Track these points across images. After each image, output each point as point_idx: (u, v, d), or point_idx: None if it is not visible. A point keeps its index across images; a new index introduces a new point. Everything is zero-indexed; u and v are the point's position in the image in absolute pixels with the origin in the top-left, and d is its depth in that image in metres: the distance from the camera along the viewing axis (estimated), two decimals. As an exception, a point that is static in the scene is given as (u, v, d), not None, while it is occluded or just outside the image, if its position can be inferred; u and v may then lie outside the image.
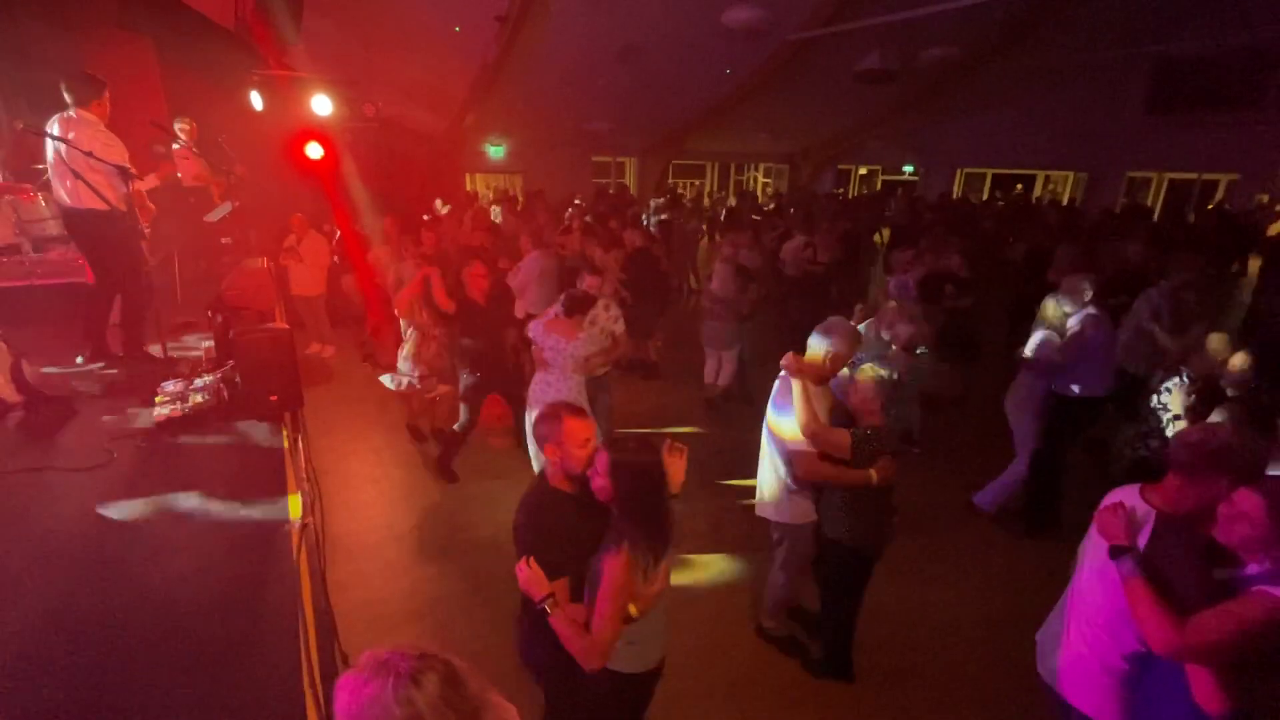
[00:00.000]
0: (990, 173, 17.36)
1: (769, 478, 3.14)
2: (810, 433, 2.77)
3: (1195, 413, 3.29)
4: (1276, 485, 1.65)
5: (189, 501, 2.78)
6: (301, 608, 2.09)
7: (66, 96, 3.69)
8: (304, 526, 2.41)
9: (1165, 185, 14.08)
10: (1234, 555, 1.72)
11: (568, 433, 2.12)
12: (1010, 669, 3.18)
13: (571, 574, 2.06)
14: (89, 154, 3.58)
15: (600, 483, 2.01)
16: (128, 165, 3.74)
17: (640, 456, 2.02)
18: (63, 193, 3.80)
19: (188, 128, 6.28)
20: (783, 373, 2.94)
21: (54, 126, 3.68)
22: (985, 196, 16.20)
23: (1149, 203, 14.07)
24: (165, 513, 2.69)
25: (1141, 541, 1.89)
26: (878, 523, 2.90)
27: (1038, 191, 16.31)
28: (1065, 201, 14.63)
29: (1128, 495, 2.02)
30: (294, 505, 2.74)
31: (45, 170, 5.75)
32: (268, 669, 1.88)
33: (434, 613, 3.57)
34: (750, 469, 3.33)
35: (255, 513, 2.71)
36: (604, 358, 4.48)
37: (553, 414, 2.17)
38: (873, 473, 2.72)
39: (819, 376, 2.92)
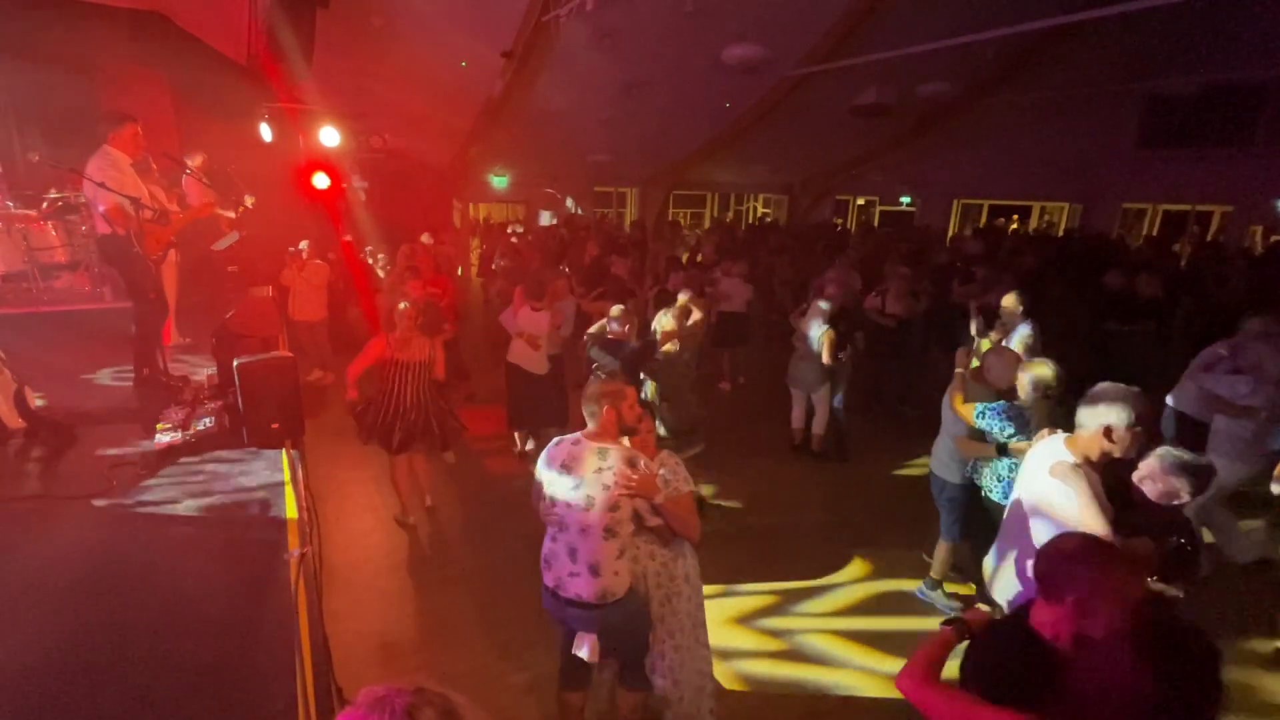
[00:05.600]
0: (987, 204, 17.58)
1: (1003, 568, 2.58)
2: None
3: None
4: None
5: (187, 529, 2.77)
6: (298, 638, 2.07)
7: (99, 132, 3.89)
8: (302, 556, 2.40)
9: (1160, 216, 14.25)
10: None
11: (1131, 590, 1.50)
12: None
13: None
14: (101, 184, 3.69)
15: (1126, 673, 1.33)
16: (140, 197, 3.85)
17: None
18: (94, 221, 4.02)
19: (199, 160, 6.41)
20: (1045, 458, 2.40)
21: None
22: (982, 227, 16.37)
23: (1144, 234, 14.20)
24: (163, 540, 2.68)
25: None
26: None
27: (1033, 223, 16.50)
28: (1061, 232, 14.78)
29: None
30: (292, 534, 2.73)
31: (57, 200, 5.91)
32: (264, 701, 1.86)
33: (432, 644, 3.52)
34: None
35: (253, 541, 2.71)
36: None
37: (1106, 559, 1.48)
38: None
39: (1099, 458, 2.33)
